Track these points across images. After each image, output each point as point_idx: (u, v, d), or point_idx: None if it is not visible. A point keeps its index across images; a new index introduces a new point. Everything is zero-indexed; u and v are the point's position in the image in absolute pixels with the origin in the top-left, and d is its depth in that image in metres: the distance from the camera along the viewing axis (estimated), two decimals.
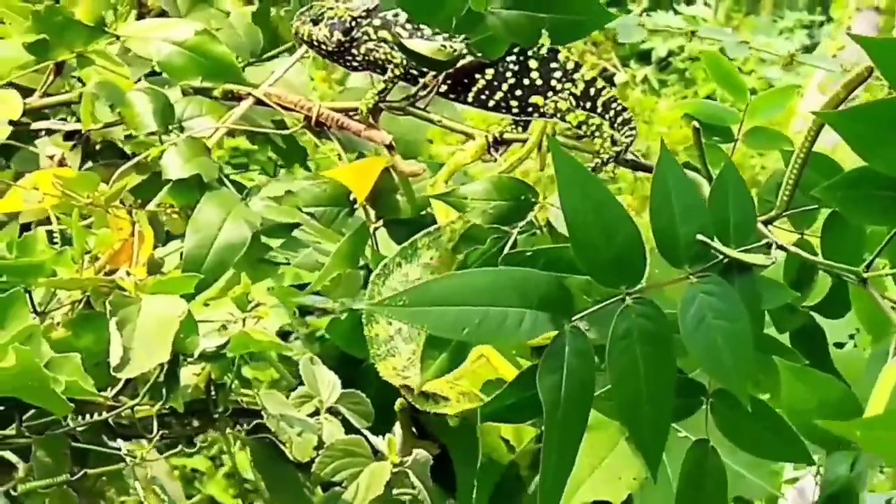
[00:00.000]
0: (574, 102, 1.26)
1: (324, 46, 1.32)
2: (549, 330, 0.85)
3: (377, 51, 1.29)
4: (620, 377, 0.86)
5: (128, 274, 1.14)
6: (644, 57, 11.68)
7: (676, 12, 12.69)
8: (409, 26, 1.30)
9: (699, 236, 0.88)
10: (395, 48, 1.28)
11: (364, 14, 1.32)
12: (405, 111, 1.30)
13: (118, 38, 1.35)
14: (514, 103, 1.27)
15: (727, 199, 0.91)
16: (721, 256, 0.89)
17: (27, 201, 1.25)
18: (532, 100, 1.26)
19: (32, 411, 1.15)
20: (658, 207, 0.88)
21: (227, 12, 1.45)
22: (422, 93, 1.29)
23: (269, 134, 1.53)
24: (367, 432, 1.22)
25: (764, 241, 0.94)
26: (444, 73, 1.26)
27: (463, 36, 1.19)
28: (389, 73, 1.29)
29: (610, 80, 10.02)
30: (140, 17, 1.57)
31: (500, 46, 1.19)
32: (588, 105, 1.27)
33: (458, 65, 1.24)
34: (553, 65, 1.25)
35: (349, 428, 1.23)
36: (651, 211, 0.88)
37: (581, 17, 1.14)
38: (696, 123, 0.97)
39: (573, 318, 0.86)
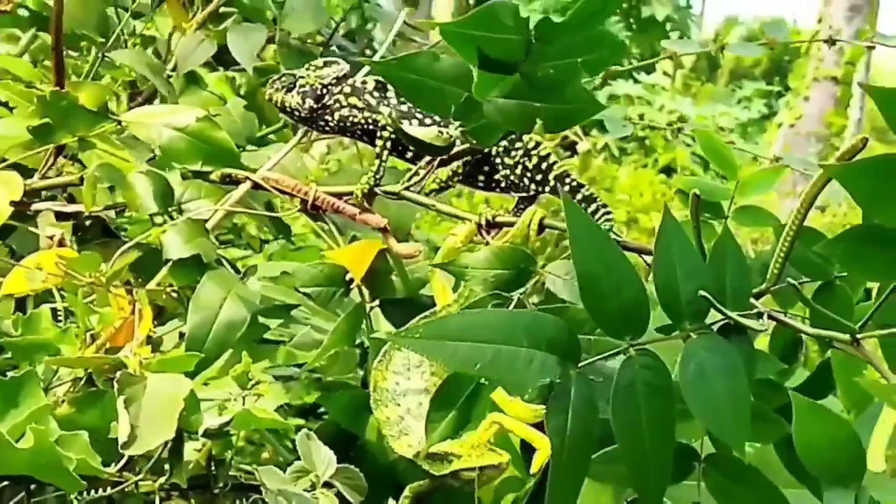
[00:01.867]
0: (528, 175, 1.33)
1: (297, 113, 1.39)
2: (556, 373, 0.88)
3: (354, 117, 1.36)
4: (624, 425, 0.89)
5: (133, 353, 1.17)
6: (604, 125, 11.83)
7: (636, 81, 12.91)
8: (376, 94, 1.37)
9: (701, 292, 0.92)
10: (373, 115, 1.35)
11: (334, 81, 1.39)
12: (399, 196, 1.35)
13: (120, 123, 1.38)
14: (481, 178, 1.35)
15: (724, 266, 0.95)
16: (718, 318, 0.93)
17: (32, 281, 1.28)
18: (496, 176, 1.34)
19: (34, 486, 1.18)
20: (661, 266, 0.92)
21: (222, 97, 1.50)
22: (415, 178, 1.34)
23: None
24: None
25: (755, 311, 0.97)
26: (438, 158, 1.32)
27: (458, 123, 1.23)
28: (378, 147, 1.35)
29: (572, 148, 10.15)
30: (132, 98, 1.62)
31: (494, 134, 1.23)
32: (539, 177, 1.34)
33: (454, 151, 1.30)
34: (517, 144, 1.33)
35: (343, 502, 1.26)
36: (654, 269, 0.92)
37: (573, 107, 1.18)
38: (696, 191, 1.00)
39: (579, 365, 0.89)
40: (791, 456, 1.05)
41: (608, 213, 1.30)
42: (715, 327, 0.95)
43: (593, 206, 1.33)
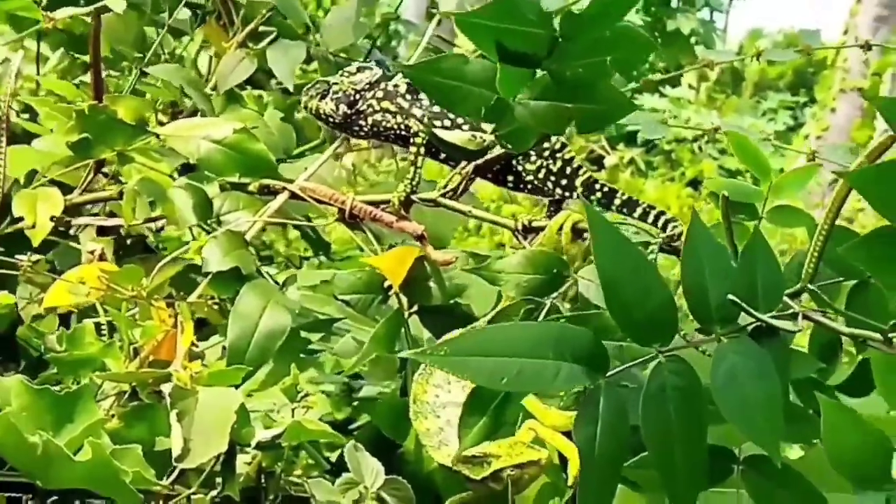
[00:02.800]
0: (552, 179, 1.34)
1: (331, 119, 1.42)
2: (584, 382, 0.88)
3: (387, 122, 1.38)
4: (654, 432, 0.89)
5: (183, 367, 1.18)
6: (630, 139, 11.84)
7: (662, 94, 12.90)
8: (409, 97, 1.38)
9: (730, 297, 0.91)
10: (409, 120, 1.36)
11: (367, 87, 1.41)
12: (436, 203, 1.36)
13: (158, 136, 1.40)
14: (510, 178, 1.36)
15: (756, 267, 0.94)
16: (749, 321, 0.92)
17: (75, 295, 1.30)
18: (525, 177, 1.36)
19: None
20: (689, 269, 0.92)
21: (260, 112, 1.51)
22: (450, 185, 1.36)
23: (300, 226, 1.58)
24: None
25: (790, 312, 0.96)
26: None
27: (493, 127, 1.24)
28: (412, 153, 1.37)
29: (599, 163, 10.17)
30: (174, 116, 1.63)
31: (528, 137, 1.23)
32: (564, 182, 1.35)
33: (488, 156, 1.31)
34: (545, 144, 1.34)
35: None
36: (682, 273, 0.92)
37: (606, 108, 1.19)
38: (725, 193, 1.00)
39: (608, 374, 0.89)
40: None
41: (672, 220, 1.30)
42: (749, 329, 0.95)
43: (638, 211, 1.34)
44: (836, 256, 0.95)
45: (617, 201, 1.36)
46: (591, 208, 0.91)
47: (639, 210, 1.34)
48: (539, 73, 1.16)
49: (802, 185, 1.22)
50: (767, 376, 0.90)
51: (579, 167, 1.38)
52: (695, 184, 11.09)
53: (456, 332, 1.15)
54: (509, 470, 1.13)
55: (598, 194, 1.36)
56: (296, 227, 1.63)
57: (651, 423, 0.89)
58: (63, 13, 1.40)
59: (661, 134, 1.70)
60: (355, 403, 1.43)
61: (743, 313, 0.92)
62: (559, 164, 1.37)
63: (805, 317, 0.95)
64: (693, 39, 13.41)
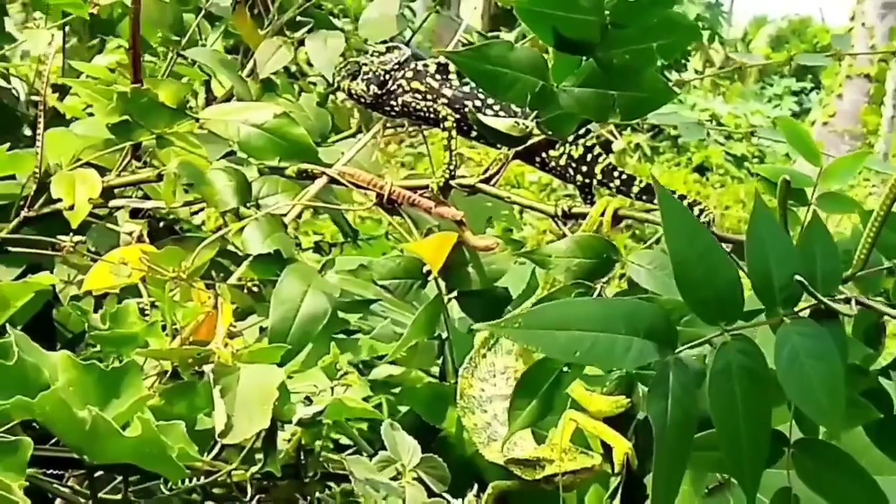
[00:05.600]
0: (573, 166, 1.35)
1: (363, 99, 1.43)
2: (655, 358, 0.90)
3: (417, 104, 1.38)
4: (720, 410, 0.91)
5: (224, 345, 1.19)
6: (636, 124, 11.83)
7: (667, 80, 12.90)
8: (438, 77, 1.39)
9: (797, 277, 0.93)
10: (437, 102, 1.37)
11: (396, 67, 1.42)
12: (475, 189, 1.37)
13: (198, 120, 1.40)
14: (537, 160, 1.38)
15: (815, 252, 0.97)
16: (810, 303, 0.94)
17: (117, 275, 1.31)
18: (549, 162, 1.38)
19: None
20: (754, 252, 0.94)
21: (296, 99, 1.52)
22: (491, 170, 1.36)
23: (330, 212, 1.59)
24: (447, 496, 1.26)
25: (843, 297, 0.98)
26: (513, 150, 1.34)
27: (534, 113, 1.25)
28: (445, 139, 1.38)
29: (607, 147, 10.14)
30: (208, 103, 1.64)
31: (570, 124, 1.24)
32: (584, 169, 1.36)
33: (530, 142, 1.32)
34: None
35: (427, 491, 1.28)
36: (747, 255, 0.94)
37: (650, 95, 1.20)
38: (786, 177, 1.02)
39: (677, 350, 0.91)
40: (883, 439, 1.06)
41: (697, 204, 1.31)
42: (804, 313, 0.96)
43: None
44: (891, 242, 0.97)
45: (635, 188, 1.37)
46: (664, 190, 0.92)
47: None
48: (584, 60, 1.17)
49: (853, 172, 1.22)
50: (829, 357, 0.92)
51: (600, 154, 1.39)
52: (701, 169, 11.10)
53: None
54: (562, 475, 1.14)
55: (617, 181, 1.37)
56: (327, 211, 1.63)
57: (718, 401, 0.91)
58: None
59: (700, 136, 1.71)
60: (394, 390, 1.44)
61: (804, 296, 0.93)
62: (581, 150, 1.38)
63: (857, 302, 0.97)
64: (700, 24, 13.39)
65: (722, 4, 15.16)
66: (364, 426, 1.51)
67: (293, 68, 2.03)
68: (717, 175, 11.03)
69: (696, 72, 13.09)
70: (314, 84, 1.88)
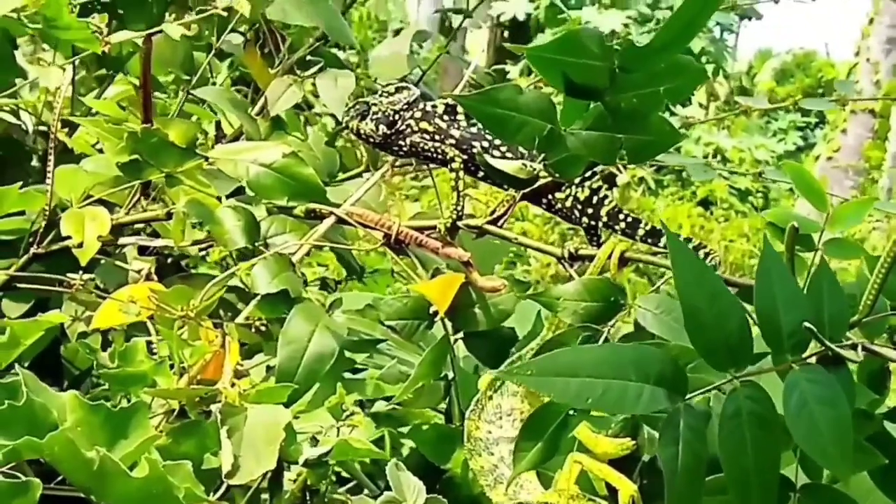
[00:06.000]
0: (578, 207, 1.36)
1: (371, 139, 1.43)
2: (665, 404, 0.92)
3: (425, 144, 1.39)
4: (730, 455, 0.92)
5: (232, 384, 1.20)
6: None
7: (672, 114, 12.94)
8: (447, 117, 1.40)
9: (806, 324, 0.94)
10: (444, 143, 1.38)
11: (405, 107, 1.42)
12: (482, 230, 1.38)
13: (208, 159, 1.41)
14: (544, 201, 1.39)
15: (822, 298, 0.98)
16: (815, 350, 0.95)
17: (126, 314, 1.31)
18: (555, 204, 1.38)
19: None
20: (762, 297, 0.95)
21: (304, 137, 1.53)
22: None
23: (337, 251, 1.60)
24: None
25: (849, 343, 0.99)
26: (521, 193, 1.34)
27: (542, 156, 1.25)
28: (452, 180, 1.38)
29: (611, 181, 10.18)
30: (217, 140, 1.65)
31: (578, 166, 1.25)
32: (590, 211, 1.36)
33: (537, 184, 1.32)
34: None
35: None
36: (756, 301, 0.95)
37: (657, 138, 1.20)
38: (794, 224, 1.02)
39: (687, 397, 0.92)
40: (887, 484, 1.07)
41: (702, 247, 1.32)
42: (812, 359, 0.97)
43: (664, 241, 1.35)
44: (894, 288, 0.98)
45: (641, 231, 1.37)
46: (672, 235, 0.93)
47: (663, 240, 1.35)
48: (592, 104, 1.18)
49: (860, 217, 1.23)
50: (838, 403, 0.93)
51: (605, 196, 1.39)
52: (705, 203, 11.11)
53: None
54: None
55: (623, 224, 1.38)
56: (334, 250, 1.64)
57: (728, 447, 0.92)
58: (119, 37, 1.42)
59: (710, 177, 1.72)
60: (401, 429, 1.44)
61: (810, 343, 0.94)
62: (587, 192, 1.38)
63: (864, 347, 0.97)
64: (704, 59, 13.43)
65: (727, 39, 15.21)
66: (366, 458, 1.51)
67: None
68: (721, 209, 11.05)
69: (700, 105, 13.14)
70: (319, 116, 1.89)
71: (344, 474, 1.47)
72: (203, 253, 1.59)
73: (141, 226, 1.60)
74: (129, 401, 1.19)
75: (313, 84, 1.65)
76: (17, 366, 1.07)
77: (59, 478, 1.17)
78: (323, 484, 1.22)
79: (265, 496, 1.18)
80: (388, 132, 1.42)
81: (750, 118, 14.60)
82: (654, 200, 10.53)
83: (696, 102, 13.12)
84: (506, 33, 14.30)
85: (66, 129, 1.79)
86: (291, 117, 1.70)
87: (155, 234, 1.60)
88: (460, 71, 1.78)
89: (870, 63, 10.91)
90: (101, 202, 1.49)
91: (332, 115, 1.62)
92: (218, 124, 1.70)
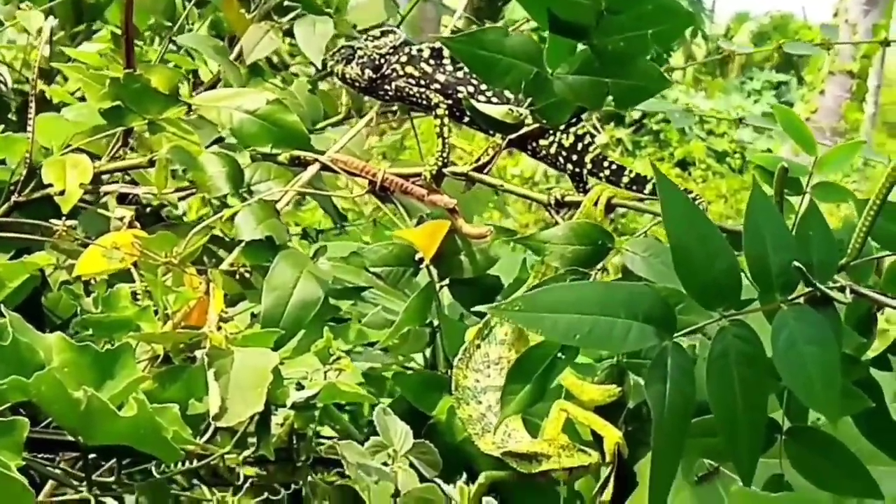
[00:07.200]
0: (563, 154, 1.35)
1: (357, 83, 1.42)
2: (653, 342, 0.91)
3: (410, 89, 1.38)
4: (718, 394, 0.92)
5: (218, 328, 1.19)
6: (618, 119, 11.84)
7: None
8: (432, 62, 1.39)
9: (795, 264, 0.94)
10: (429, 88, 1.37)
11: (391, 51, 1.41)
12: (467, 177, 1.37)
13: (191, 106, 1.40)
14: (529, 147, 1.40)
15: (811, 240, 0.97)
16: (806, 290, 0.95)
17: (110, 260, 1.30)
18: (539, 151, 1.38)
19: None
20: (751, 239, 0.94)
21: (284, 86, 1.51)
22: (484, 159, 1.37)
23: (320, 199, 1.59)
24: (438, 480, 1.27)
25: (837, 285, 0.99)
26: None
27: (528, 101, 1.25)
28: (437, 126, 1.38)
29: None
30: (194, 88, 1.63)
31: (564, 112, 1.24)
32: (575, 158, 1.36)
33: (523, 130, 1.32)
34: None
35: (419, 476, 1.28)
36: (745, 241, 0.94)
37: (644, 83, 1.20)
38: (784, 164, 1.02)
39: (675, 335, 0.92)
40: (872, 429, 1.07)
41: (689, 193, 1.31)
42: (800, 300, 0.97)
43: (648, 187, 1.35)
44: (885, 232, 0.97)
45: (625, 178, 1.37)
46: (662, 175, 0.93)
47: (648, 186, 1.35)
48: (580, 48, 1.17)
49: (847, 161, 1.23)
50: (826, 344, 0.92)
51: (590, 143, 1.39)
52: (683, 164, 11.12)
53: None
54: (559, 470, 1.14)
55: (607, 171, 1.38)
56: (316, 198, 1.63)
57: (716, 386, 0.92)
58: None
59: (690, 122, 1.71)
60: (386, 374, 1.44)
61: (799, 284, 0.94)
62: (571, 139, 1.38)
63: (852, 290, 0.97)
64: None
65: (704, 1, 15.19)
66: (346, 417, 1.51)
67: (275, 59, 2.02)
68: (699, 170, 11.07)
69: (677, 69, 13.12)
70: (296, 76, 1.87)
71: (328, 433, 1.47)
72: (182, 205, 1.58)
73: (119, 175, 1.59)
74: (112, 346, 1.18)
75: (291, 44, 1.63)
76: (2, 307, 1.06)
77: (43, 422, 1.17)
78: (310, 428, 1.22)
79: (252, 440, 1.17)
80: (374, 76, 1.41)
81: (727, 79, 14.60)
82: (633, 161, 10.53)
83: (674, 65, 13.11)
84: None
85: (43, 81, 1.78)
86: (267, 69, 1.69)
87: (135, 183, 1.59)
88: (436, 23, 1.76)
89: (848, 24, 10.91)
90: (81, 151, 1.48)
91: (311, 63, 1.60)
92: (194, 73, 1.68)
